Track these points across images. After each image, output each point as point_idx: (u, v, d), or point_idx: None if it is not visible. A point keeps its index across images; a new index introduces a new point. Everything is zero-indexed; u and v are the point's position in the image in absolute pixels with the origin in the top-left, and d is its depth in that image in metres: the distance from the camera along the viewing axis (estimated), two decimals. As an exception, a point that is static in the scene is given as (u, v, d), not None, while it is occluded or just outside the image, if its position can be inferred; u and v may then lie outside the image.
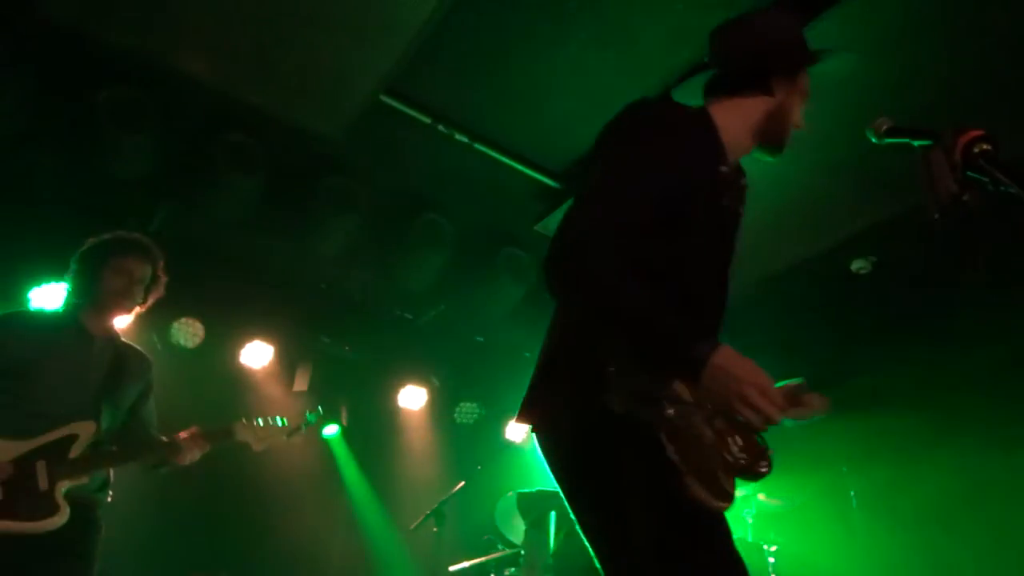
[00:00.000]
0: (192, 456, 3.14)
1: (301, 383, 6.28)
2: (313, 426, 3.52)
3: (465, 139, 4.62)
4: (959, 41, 3.75)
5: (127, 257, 3.15)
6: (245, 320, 5.82)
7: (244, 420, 3.24)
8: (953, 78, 3.89)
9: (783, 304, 5.65)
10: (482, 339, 6.57)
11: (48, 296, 4.62)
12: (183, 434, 3.14)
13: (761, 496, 4.75)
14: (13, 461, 2.77)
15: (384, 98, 4.36)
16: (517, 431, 6.41)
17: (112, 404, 3.06)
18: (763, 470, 1.63)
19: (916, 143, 1.92)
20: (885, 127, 2.01)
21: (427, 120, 4.51)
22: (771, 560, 4.48)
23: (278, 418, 3.36)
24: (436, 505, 5.01)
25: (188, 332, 5.52)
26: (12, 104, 4.07)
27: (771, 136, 1.99)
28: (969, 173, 1.58)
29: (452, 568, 5.24)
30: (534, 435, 1.80)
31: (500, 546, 5.22)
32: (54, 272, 4.85)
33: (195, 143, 4.59)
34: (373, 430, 6.60)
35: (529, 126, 4.59)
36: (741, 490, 4.73)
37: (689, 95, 2.04)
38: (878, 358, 5.75)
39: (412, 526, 5.18)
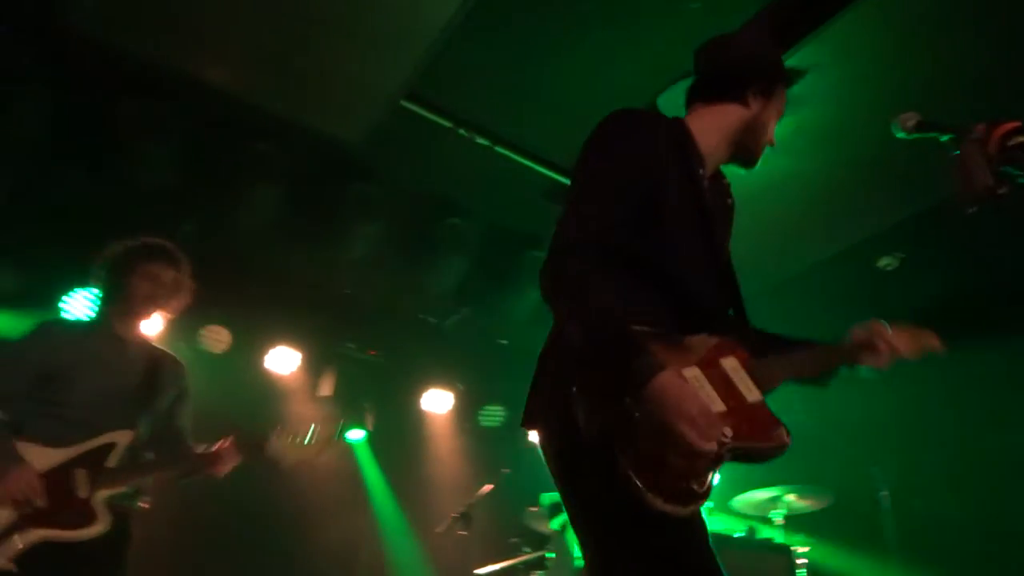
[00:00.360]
0: (226, 468, 3.14)
1: (326, 388, 6.32)
2: (340, 439, 3.48)
3: (486, 142, 4.63)
4: (986, 33, 3.69)
5: (152, 262, 3.17)
6: (271, 326, 5.87)
7: (277, 435, 3.21)
8: (981, 71, 3.84)
9: (809, 302, 5.60)
10: (506, 342, 6.57)
11: (79, 304, 4.71)
12: (219, 445, 3.14)
13: (791, 497, 4.69)
14: (53, 469, 2.81)
15: (405, 103, 4.38)
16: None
17: (148, 411, 3.09)
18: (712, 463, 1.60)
19: (944, 138, 1.90)
20: (912, 122, 1.99)
21: (448, 124, 4.53)
22: (802, 561, 4.42)
23: (309, 433, 3.30)
24: (463, 508, 5.01)
25: (215, 338, 5.58)
26: (37, 116, 4.14)
27: (744, 147, 2.07)
28: (1004, 167, 1.56)
29: (479, 571, 5.24)
30: (537, 439, 1.86)
31: (527, 549, 5.22)
32: (83, 281, 4.98)
33: (219, 153, 4.64)
34: (398, 434, 6.62)
35: (549, 127, 4.59)
36: (771, 491, 4.68)
37: (676, 100, 2.15)
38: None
39: (439, 529, 5.19)
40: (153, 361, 3.18)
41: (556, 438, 1.77)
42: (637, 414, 1.53)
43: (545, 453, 1.83)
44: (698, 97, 2.09)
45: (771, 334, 2.06)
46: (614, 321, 1.59)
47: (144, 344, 3.22)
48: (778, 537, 4.67)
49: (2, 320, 4.68)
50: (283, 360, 5.94)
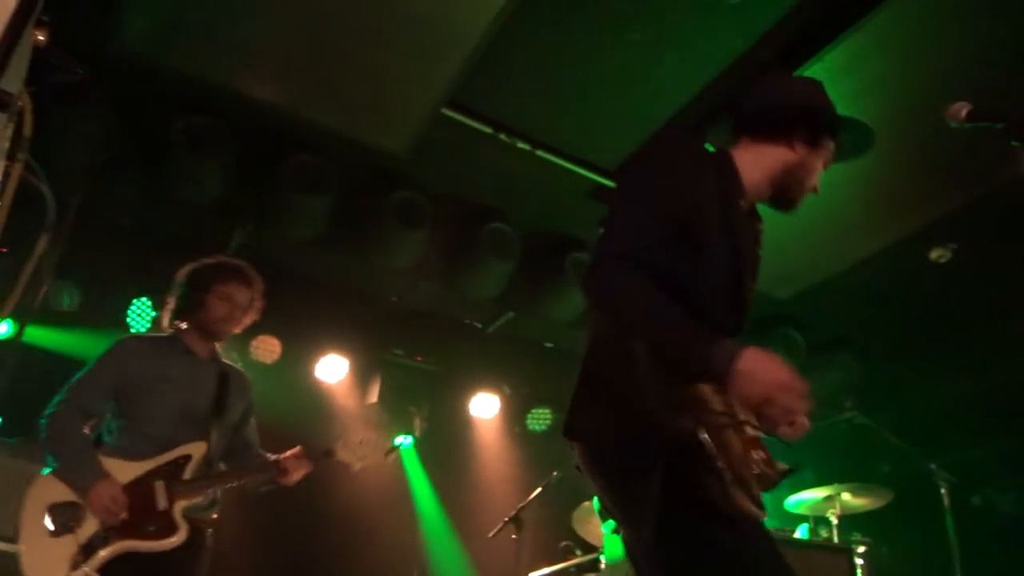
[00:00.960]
0: (297, 476, 3.21)
1: (374, 395, 6.40)
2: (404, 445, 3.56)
3: (527, 147, 4.65)
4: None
5: (230, 284, 3.23)
6: (319, 335, 5.97)
7: (341, 443, 3.29)
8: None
9: (861, 297, 5.51)
10: (551, 345, 6.57)
11: (139, 315, 4.88)
12: (288, 454, 3.21)
13: (846, 495, 4.62)
14: (134, 482, 2.90)
15: (446, 111, 4.43)
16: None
17: (219, 424, 3.16)
18: (778, 478, 1.64)
19: (999, 125, 1.87)
20: (965, 111, 1.96)
21: (489, 130, 4.56)
22: (859, 562, 4.35)
23: (371, 441, 3.38)
24: (513, 512, 5.03)
25: (265, 349, 5.69)
26: (92, 134, 4.26)
27: (785, 190, 2.07)
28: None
29: (531, 575, 5.25)
30: (579, 452, 1.87)
31: (579, 552, 5.21)
32: (141, 294, 5.15)
33: (267, 166, 4.74)
34: (446, 439, 6.67)
35: (589, 129, 4.60)
36: (826, 490, 4.61)
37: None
38: (961, 348, 5.55)
39: (490, 534, 5.21)
40: (223, 376, 3.25)
41: (608, 450, 1.78)
42: (714, 408, 1.59)
43: (589, 466, 1.84)
44: (745, 132, 2.09)
45: None
46: (680, 318, 1.65)
47: (216, 360, 3.31)
48: (835, 537, 4.60)
49: (67, 336, 4.87)
50: (332, 368, 6.04)
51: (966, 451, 5.02)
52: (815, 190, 2.10)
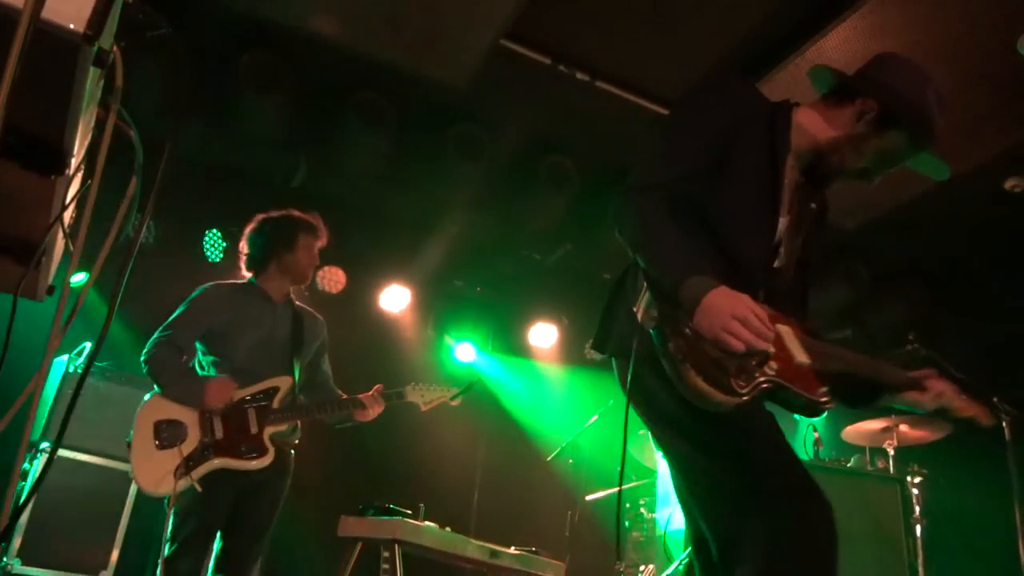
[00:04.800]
0: (374, 413, 3.50)
1: (437, 325, 6.60)
2: (469, 391, 3.78)
3: (586, 78, 4.61)
4: None
5: (312, 237, 3.53)
6: (383, 267, 6.15)
7: (415, 384, 3.60)
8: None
9: (935, 223, 5.36)
10: (609, 276, 6.62)
11: (212, 246, 5.32)
12: (367, 393, 3.50)
13: (904, 427, 4.63)
14: (230, 407, 3.21)
15: (504, 42, 4.41)
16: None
17: (298, 362, 3.45)
18: (762, 372, 1.70)
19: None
20: (1039, 40, 1.90)
21: (547, 61, 4.53)
22: (915, 492, 4.38)
23: (442, 385, 3.69)
24: (571, 438, 5.19)
25: (332, 280, 5.91)
26: (158, 72, 4.40)
27: (823, 160, 1.97)
28: None
29: (588, 497, 5.44)
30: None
31: (635, 477, 5.37)
32: (212, 225, 5.40)
33: (328, 101, 4.82)
34: (506, 368, 6.86)
35: (649, 59, 4.51)
36: (880, 421, 4.62)
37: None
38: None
39: (549, 457, 5.40)
40: (297, 317, 3.54)
41: (620, 359, 1.94)
42: (689, 327, 1.66)
43: (620, 376, 1.96)
44: (826, 91, 2.03)
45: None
46: (674, 244, 1.74)
47: (291, 303, 3.59)
48: (891, 468, 4.63)
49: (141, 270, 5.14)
50: (395, 298, 6.23)
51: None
52: (862, 176, 2.00)
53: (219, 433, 3.15)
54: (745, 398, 1.65)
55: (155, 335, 3.29)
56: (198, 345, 3.35)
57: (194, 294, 3.43)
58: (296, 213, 3.58)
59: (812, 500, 1.68)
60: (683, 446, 1.85)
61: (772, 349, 1.69)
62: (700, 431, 1.75)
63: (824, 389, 1.79)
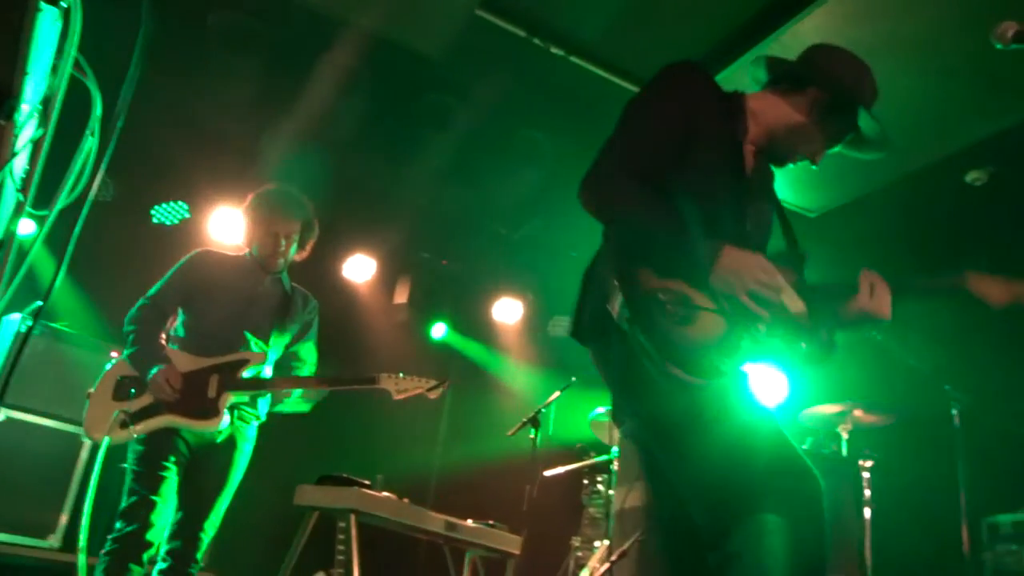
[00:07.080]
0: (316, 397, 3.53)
1: (401, 296, 6.54)
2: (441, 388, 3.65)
3: (561, 52, 4.57)
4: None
5: (274, 218, 3.46)
6: (348, 235, 6.06)
7: (388, 373, 3.50)
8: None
9: (896, 215, 5.45)
10: (576, 254, 6.62)
11: (169, 211, 5.14)
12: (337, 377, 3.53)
13: (858, 412, 4.71)
14: (193, 372, 3.22)
15: (480, 12, 4.34)
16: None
17: (277, 337, 3.46)
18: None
19: (1045, 50, 1.83)
20: (1012, 32, 1.92)
21: (522, 33, 4.47)
22: (866, 475, 4.48)
23: (416, 376, 3.56)
24: (532, 413, 5.20)
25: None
26: (132, 32, 4.26)
27: (778, 145, 2.11)
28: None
29: (547, 472, 5.48)
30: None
31: (593, 453, 5.41)
32: (170, 187, 5.25)
33: (300, 65, 4.71)
34: (469, 341, 6.85)
35: (624, 37, 4.48)
36: (838, 406, 4.70)
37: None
38: (990, 272, 5.49)
39: (510, 432, 5.41)
40: (285, 295, 3.55)
41: (595, 344, 1.98)
42: (664, 297, 1.74)
43: (598, 363, 2.01)
44: (773, 81, 2.15)
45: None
46: (669, 213, 1.80)
47: (280, 280, 3.59)
48: (843, 452, 4.73)
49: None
50: (360, 268, 6.16)
51: (983, 375, 5.05)
52: (813, 159, 2.13)
53: (176, 393, 3.17)
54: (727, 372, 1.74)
55: (142, 299, 3.35)
56: (180, 310, 3.39)
57: (183, 259, 3.46)
58: (269, 193, 3.54)
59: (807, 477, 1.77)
60: (661, 433, 1.89)
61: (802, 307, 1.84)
62: (679, 420, 1.80)
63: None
